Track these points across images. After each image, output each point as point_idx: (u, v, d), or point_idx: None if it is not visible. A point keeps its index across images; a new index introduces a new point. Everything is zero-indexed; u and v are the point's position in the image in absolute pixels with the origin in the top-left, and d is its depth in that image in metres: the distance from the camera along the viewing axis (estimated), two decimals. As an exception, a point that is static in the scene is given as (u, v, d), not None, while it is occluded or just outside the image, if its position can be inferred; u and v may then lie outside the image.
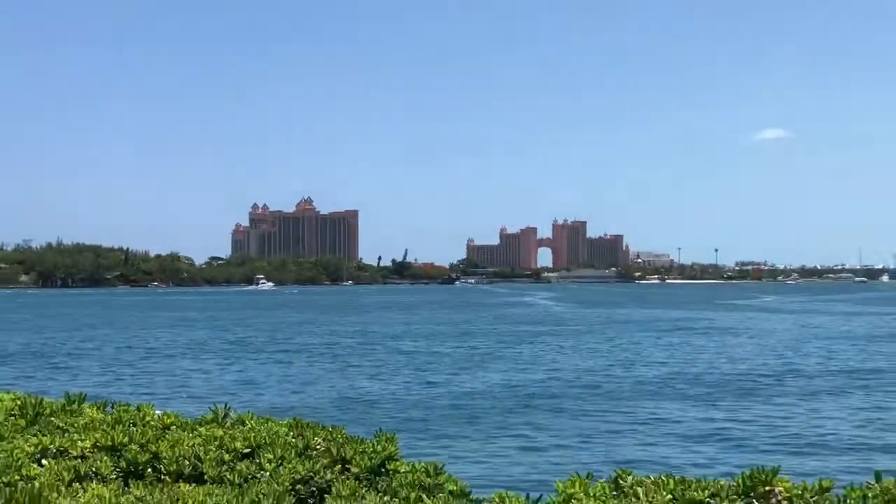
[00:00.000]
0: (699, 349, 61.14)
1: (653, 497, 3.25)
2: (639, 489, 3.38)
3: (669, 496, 3.27)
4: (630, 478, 3.56)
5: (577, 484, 3.38)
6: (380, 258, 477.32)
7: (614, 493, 3.40)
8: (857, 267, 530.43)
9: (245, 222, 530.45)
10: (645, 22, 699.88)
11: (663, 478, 3.51)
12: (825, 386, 39.81)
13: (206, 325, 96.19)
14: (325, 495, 3.79)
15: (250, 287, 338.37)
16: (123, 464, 3.94)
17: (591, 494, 3.28)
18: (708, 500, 3.24)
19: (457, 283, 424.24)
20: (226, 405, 4.64)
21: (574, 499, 3.23)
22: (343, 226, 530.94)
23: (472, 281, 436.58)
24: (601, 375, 44.52)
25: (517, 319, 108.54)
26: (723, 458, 22.57)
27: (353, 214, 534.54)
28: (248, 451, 4.10)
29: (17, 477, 3.63)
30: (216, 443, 4.09)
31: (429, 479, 3.96)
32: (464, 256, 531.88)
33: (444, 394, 38.06)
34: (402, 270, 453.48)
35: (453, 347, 64.61)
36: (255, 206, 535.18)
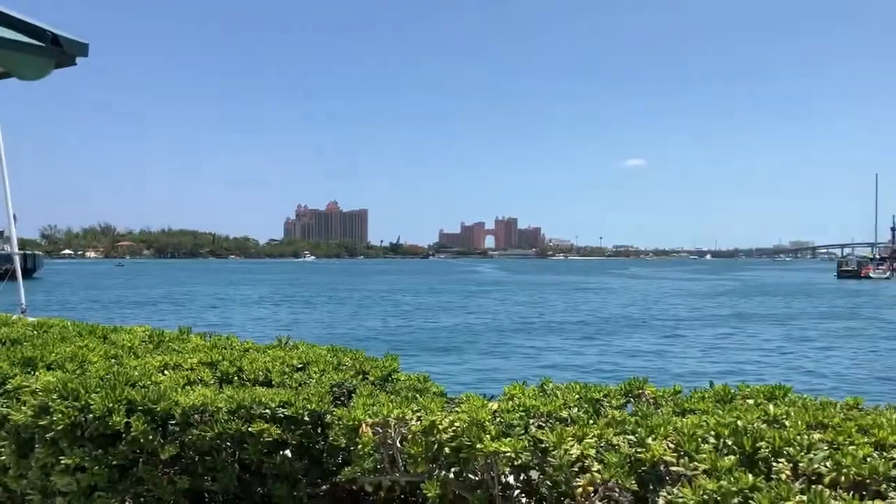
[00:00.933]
0: (590, 300, 61.50)
1: (566, 396, 3.26)
2: (557, 391, 3.39)
3: (577, 395, 3.28)
4: (551, 384, 3.57)
5: (516, 388, 3.39)
6: (381, 241, 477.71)
7: (541, 393, 3.42)
8: (692, 249, 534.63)
9: (293, 216, 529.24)
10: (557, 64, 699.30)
11: (572, 383, 3.53)
12: (674, 325, 40.16)
13: (270, 284, 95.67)
14: (352, 394, 3.79)
15: (299, 259, 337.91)
16: (219, 374, 3.92)
17: (526, 394, 3.29)
18: (602, 398, 3.26)
19: (430, 257, 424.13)
20: (287, 336, 4.64)
21: (515, 397, 3.24)
22: (357, 219, 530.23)
23: (442, 256, 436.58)
24: (526, 317, 44.74)
25: (470, 281, 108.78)
26: (606, 375, 22.68)
27: (364, 212, 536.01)
28: (300, 366, 4.08)
29: (148, 382, 3.61)
30: (280, 360, 4.08)
31: (420, 384, 3.97)
32: (436, 240, 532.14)
33: (425, 329, 38.14)
34: (395, 249, 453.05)
35: (429, 298, 64.72)
36: (299, 206, 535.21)
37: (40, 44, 4.51)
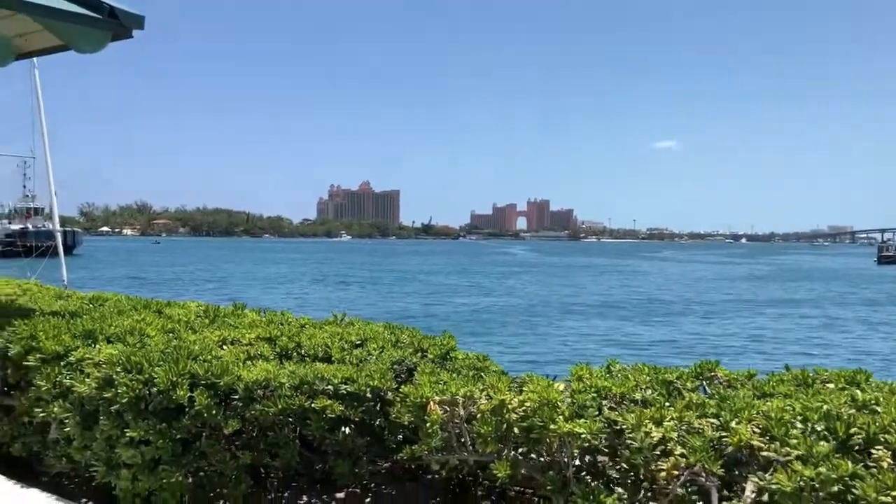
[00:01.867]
0: (624, 283, 60.96)
1: (637, 377, 3.17)
2: (626, 373, 3.30)
3: (647, 377, 3.18)
4: (617, 365, 3.48)
5: (583, 368, 3.30)
6: (413, 221, 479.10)
7: (608, 375, 3.32)
8: (727, 232, 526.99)
9: (326, 196, 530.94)
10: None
11: (640, 365, 3.44)
12: (711, 309, 39.59)
13: (304, 262, 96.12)
14: (412, 372, 3.73)
15: (335, 239, 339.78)
16: (278, 349, 3.88)
17: (595, 375, 3.19)
18: (675, 380, 3.15)
19: (461, 238, 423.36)
20: (343, 313, 4.58)
21: (584, 377, 3.15)
22: (389, 200, 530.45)
23: (474, 238, 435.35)
24: (560, 299, 44.42)
25: (502, 263, 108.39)
26: (657, 358, 22.34)
27: (396, 193, 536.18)
28: (359, 342, 4.03)
29: (209, 356, 3.58)
30: (338, 336, 4.03)
31: (479, 363, 3.90)
32: (468, 221, 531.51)
33: (459, 311, 38.04)
34: (427, 230, 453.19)
35: (463, 279, 64.65)
36: (332, 186, 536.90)
37: (97, 16, 4.48)
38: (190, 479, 3.33)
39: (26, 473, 3.79)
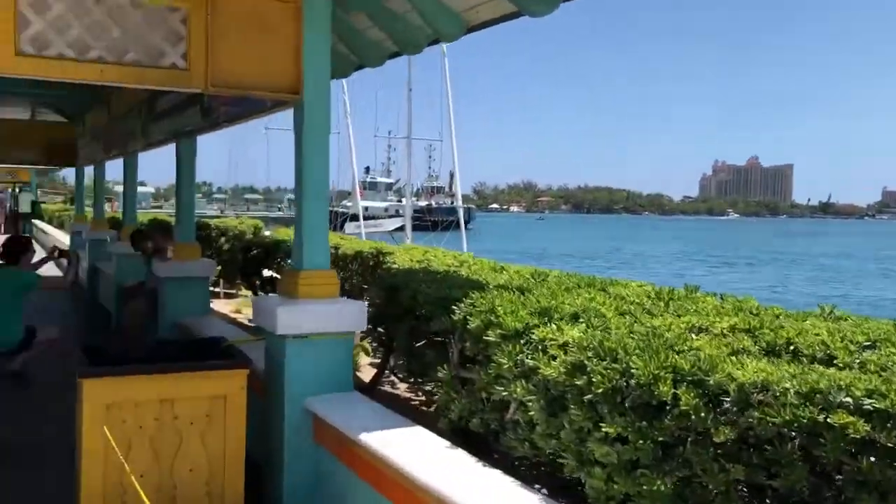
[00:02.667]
0: None
1: None
2: None
3: None
4: None
5: None
6: (808, 199, 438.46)
7: None
8: None
9: (709, 172, 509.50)
10: None
11: None
12: None
13: (686, 241, 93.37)
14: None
15: (722, 217, 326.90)
16: (763, 345, 3.26)
17: None
18: None
19: (866, 218, 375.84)
20: (832, 305, 3.78)
21: None
22: (780, 175, 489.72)
23: (885, 217, 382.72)
24: None
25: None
26: None
27: (789, 168, 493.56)
28: (867, 343, 3.23)
29: (685, 346, 3.10)
30: (839, 334, 3.27)
31: None
32: (879, 198, 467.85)
33: (869, 303, 33.37)
34: (825, 209, 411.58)
35: (873, 265, 56.94)
36: (716, 161, 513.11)
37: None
38: (670, 488, 2.91)
39: (481, 449, 3.73)
